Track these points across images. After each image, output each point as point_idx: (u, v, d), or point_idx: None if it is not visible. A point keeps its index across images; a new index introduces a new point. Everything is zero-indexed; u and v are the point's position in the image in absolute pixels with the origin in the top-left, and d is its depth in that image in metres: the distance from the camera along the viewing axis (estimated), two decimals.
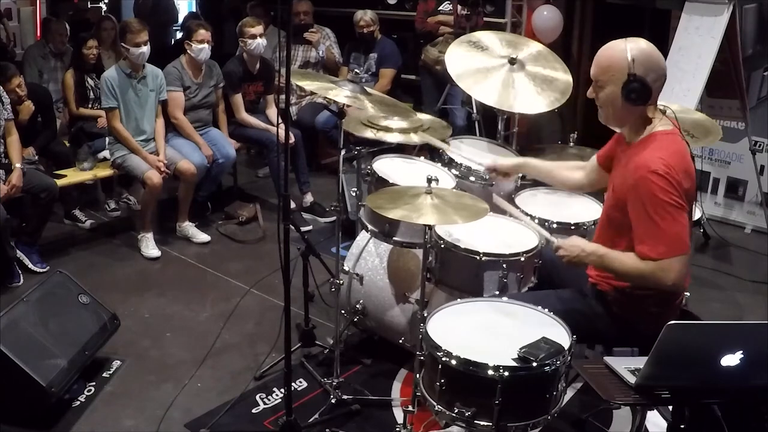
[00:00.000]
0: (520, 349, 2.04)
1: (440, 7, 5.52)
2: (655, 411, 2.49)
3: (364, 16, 5.66)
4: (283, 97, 2.73)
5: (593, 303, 2.39)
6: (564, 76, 3.22)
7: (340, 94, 2.70)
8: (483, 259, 2.58)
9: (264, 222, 4.89)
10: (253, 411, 2.98)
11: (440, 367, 2.07)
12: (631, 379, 1.92)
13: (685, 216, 2.17)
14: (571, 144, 3.61)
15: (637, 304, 2.31)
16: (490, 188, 3.21)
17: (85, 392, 3.06)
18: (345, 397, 2.97)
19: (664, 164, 2.13)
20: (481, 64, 3.24)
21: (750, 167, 4.78)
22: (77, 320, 3.12)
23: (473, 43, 3.32)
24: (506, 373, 1.98)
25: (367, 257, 3.26)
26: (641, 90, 2.17)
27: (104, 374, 3.19)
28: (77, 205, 4.89)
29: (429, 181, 2.46)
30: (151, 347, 3.45)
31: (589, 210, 3.14)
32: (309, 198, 5.17)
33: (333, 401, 2.95)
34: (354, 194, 3.43)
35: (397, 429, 2.61)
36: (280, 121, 2.82)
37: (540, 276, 2.73)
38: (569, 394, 2.90)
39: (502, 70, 3.22)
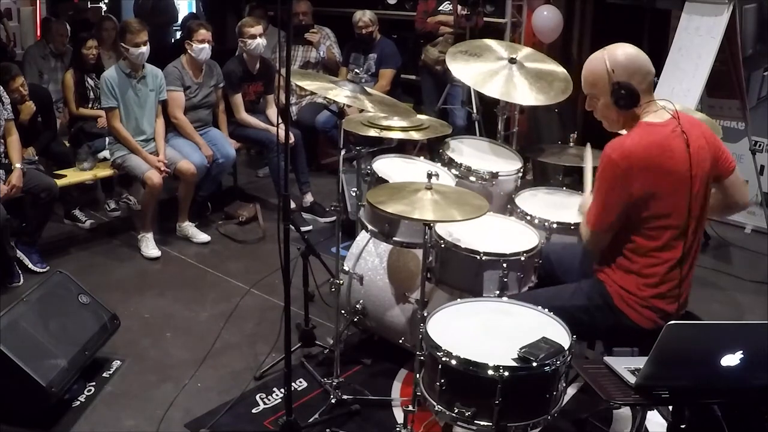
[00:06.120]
0: (520, 349, 2.04)
1: (440, 7, 5.51)
2: (655, 411, 2.50)
3: (363, 17, 5.65)
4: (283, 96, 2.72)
5: (594, 295, 2.40)
6: (561, 69, 3.34)
7: (340, 94, 2.70)
8: (483, 258, 2.58)
9: (264, 222, 4.90)
10: (253, 411, 2.98)
11: (440, 367, 2.07)
12: (631, 379, 1.92)
13: (615, 200, 2.25)
14: (571, 144, 3.62)
15: (637, 299, 2.32)
16: (490, 188, 3.22)
17: (85, 392, 3.06)
18: (345, 397, 2.97)
19: (621, 148, 2.22)
20: (483, 68, 3.30)
21: (750, 167, 4.77)
22: (77, 320, 3.12)
23: (465, 51, 3.36)
24: (506, 373, 1.98)
25: (367, 257, 3.26)
26: (628, 95, 2.27)
27: (104, 374, 3.19)
28: (77, 205, 4.90)
29: (429, 176, 2.45)
30: (151, 347, 3.45)
31: None
32: (309, 198, 5.17)
33: (333, 401, 2.95)
34: (354, 194, 3.43)
35: (397, 429, 2.61)
36: (280, 121, 2.82)
37: (540, 275, 2.73)
38: (569, 394, 2.90)
39: (504, 70, 3.26)
